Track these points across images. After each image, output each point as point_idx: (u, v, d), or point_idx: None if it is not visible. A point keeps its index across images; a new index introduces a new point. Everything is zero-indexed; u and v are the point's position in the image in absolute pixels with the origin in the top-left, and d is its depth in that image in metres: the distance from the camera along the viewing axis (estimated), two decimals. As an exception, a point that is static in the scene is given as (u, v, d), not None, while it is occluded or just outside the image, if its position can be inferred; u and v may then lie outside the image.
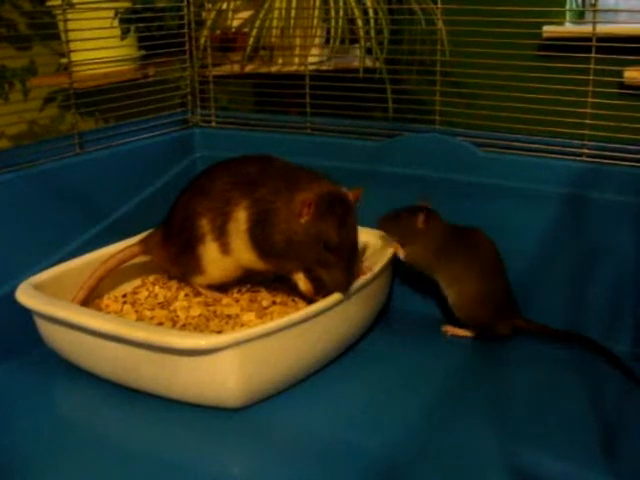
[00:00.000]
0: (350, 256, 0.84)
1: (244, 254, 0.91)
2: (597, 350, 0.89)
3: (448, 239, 0.94)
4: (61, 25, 1.08)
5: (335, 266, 0.83)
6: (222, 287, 0.97)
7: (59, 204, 1.01)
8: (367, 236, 1.01)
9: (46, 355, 0.89)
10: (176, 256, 0.95)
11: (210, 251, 0.92)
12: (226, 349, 0.74)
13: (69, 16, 1.06)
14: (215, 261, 0.93)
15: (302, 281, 0.88)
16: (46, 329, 0.87)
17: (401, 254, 0.96)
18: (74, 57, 1.07)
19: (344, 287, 0.84)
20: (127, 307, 0.95)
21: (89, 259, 0.97)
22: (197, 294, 0.97)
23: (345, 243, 0.83)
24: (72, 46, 1.06)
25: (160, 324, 0.90)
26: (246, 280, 0.98)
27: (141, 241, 0.98)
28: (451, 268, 0.93)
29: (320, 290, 0.87)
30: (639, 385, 0.83)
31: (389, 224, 0.96)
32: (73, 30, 1.06)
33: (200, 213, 0.92)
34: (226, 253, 0.92)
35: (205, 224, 0.91)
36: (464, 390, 0.85)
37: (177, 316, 0.91)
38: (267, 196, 0.87)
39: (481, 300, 0.92)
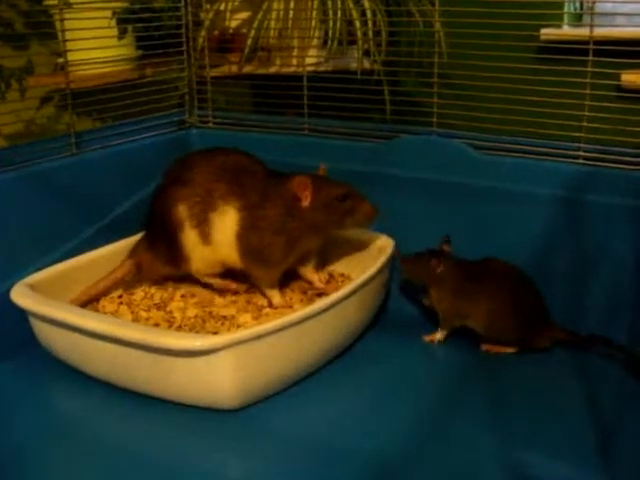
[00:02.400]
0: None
1: (225, 249, 0.91)
2: (627, 355, 0.87)
3: (468, 278, 0.92)
4: (58, 25, 1.07)
5: (357, 203, 0.90)
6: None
7: (55, 204, 1.01)
8: (364, 238, 1.01)
9: (41, 356, 0.89)
10: (164, 254, 0.94)
11: (190, 238, 0.92)
12: (222, 350, 0.74)
13: (66, 15, 1.06)
14: (196, 248, 0.92)
15: (277, 297, 0.93)
16: (41, 330, 0.86)
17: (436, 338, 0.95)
18: (71, 57, 1.06)
19: (376, 210, 0.91)
20: (123, 308, 0.94)
21: (85, 260, 0.97)
22: (193, 295, 0.97)
23: (348, 186, 0.91)
24: (69, 46, 1.06)
25: (156, 325, 0.90)
26: (243, 281, 0.98)
27: (130, 256, 0.97)
28: (479, 306, 0.91)
29: None
30: None
31: (410, 268, 0.95)
32: (70, 30, 1.06)
33: (177, 199, 0.91)
34: (206, 243, 0.92)
35: (182, 210, 0.91)
36: (462, 392, 0.85)
37: (173, 317, 0.91)
38: (259, 202, 0.89)
39: (511, 323, 0.90)
